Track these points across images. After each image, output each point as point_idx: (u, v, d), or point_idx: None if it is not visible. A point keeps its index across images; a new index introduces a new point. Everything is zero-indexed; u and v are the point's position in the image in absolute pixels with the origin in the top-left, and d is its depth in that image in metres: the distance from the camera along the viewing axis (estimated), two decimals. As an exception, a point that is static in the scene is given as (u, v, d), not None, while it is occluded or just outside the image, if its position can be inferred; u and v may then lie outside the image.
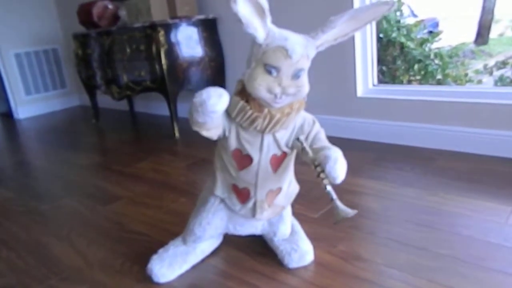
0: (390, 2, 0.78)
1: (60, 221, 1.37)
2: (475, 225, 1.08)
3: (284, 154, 0.89)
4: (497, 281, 0.86)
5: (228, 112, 0.83)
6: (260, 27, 0.75)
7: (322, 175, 0.77)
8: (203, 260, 1.03)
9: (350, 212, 0.76)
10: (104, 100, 3.01)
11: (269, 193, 0.92)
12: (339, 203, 0.78)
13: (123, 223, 1.29)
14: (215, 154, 0.93)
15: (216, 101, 0.72)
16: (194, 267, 1.00)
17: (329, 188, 0.78)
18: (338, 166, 0.75)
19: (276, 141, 0.86)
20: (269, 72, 0.76)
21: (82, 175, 1.82)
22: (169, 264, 0.97)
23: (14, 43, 3.24)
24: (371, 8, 0.79)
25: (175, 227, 1.20)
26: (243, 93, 0.81)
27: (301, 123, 0.87)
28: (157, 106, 2.87)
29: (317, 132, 0.88)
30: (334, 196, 0.78)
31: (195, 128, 0.80)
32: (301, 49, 0.76)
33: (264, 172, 0.88)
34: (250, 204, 0.92)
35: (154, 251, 1.00)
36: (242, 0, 0.69)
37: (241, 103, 0.80)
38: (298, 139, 0.85)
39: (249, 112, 0.80)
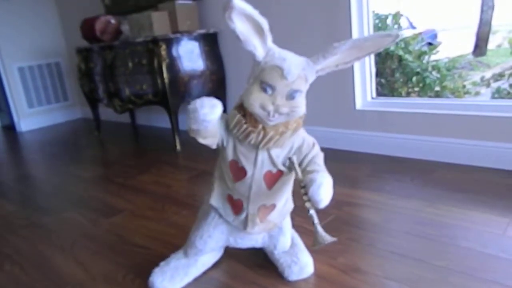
0: (393, 34, 0.79)
1: (62, 233, 1.38)
2: (473, 236, 1.09)
3: (280, 172, 0.90)
4: (495, 293, 0.87)
5: (227, 124, 0.86)
6: (259, 45, 0.77)
7: (305, 198, 0.79)
8: (204, 273, 1.04)
9: (328, 239, 0.77)
10: (106, 113, 3.04)
11: (262, 208, 0.92)
12: (319, 229, 0.78)
13: (125, 236, 1.31)
14: (216, 163, 0.95)
15: (208, 111, 0.75)
16: (195, 279, 1.02)
17: (312, 211, 0.79)
18: (321, 191, 0.76)
19: (271, 158, 0.87)
20: (264, 90, 0.78)
21: (84, 188, 1.83)
22: (171, 277, 0.98)
23: (18, 57, 3.29)
24: (375, 38, 0.81)
25: (177, 240, 1.21)
26: (241, 107, 0.83)
27: (299, 144, 0.88)
28: (159, 119, 2.90)
29: (314, 156, 0.88)
30: (316, 220, 0.79)
31: (192, 135, 0.83)
32: (298, 70, 0.78)
33: (257, 186, 0.89)
34: (242, 216, 0.93)
35: (155, 263, 1.01)
36: (238, 18, 0.71)
37: (238, 116, 0.83)
38: (290, 158, 0.86)
39: (244, 126, 0.82)
